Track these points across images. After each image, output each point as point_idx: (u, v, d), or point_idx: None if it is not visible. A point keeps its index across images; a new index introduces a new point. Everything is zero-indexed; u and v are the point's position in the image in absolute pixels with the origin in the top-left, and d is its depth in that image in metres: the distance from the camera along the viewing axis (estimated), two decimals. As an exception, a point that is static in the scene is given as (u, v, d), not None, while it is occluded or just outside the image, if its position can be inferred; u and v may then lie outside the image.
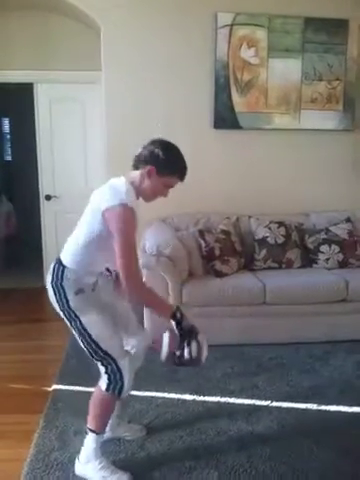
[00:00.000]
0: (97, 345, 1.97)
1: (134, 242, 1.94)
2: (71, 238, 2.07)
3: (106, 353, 1.98)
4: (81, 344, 2.01)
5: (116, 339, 2.05)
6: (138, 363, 2.18)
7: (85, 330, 1.97)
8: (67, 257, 2.03)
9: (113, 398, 2.05)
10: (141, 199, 2.06)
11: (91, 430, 2.07)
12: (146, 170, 1.98)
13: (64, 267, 2.00)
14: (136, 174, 2.02)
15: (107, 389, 2.01)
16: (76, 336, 2.02)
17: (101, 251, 1.99)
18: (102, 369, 2.02)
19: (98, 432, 2.08)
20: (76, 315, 1.96)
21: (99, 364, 2.02)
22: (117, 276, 2.07)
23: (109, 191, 1.94)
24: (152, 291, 2.05)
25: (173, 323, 1.96)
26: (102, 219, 1.91)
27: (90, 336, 1.97)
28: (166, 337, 1.95)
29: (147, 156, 1.99)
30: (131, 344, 2.17)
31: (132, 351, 2.14)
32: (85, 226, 2.00)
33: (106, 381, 2.01)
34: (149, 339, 2.29)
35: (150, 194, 2.05)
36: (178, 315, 1.97)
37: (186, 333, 1.96)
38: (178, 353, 1.95)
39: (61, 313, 2.01)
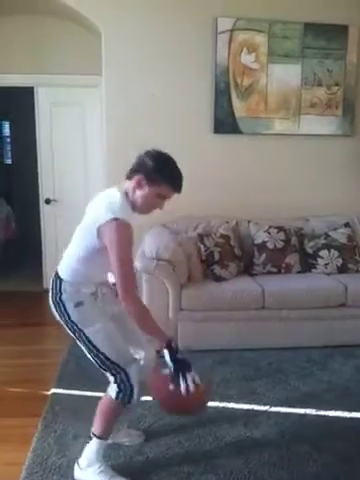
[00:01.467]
0: (104, 355, 1.98)
1: (130, 258, 1.92)
2: (68, 251, 2.08)
3: (113, 362, 1.98)
4: (88, 356, 2.02)
5: (123, 348, 2.04)
6: (147, 372, 2.17)
7: (90, 342, 1.97)
8: (64, 270, 2.04)
9: (122, 406, 2.04)
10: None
11: (96, 436, 2.08)
12: (136, 180, 1.96)
13: (61, 280, 2.01)
14: (129, 185, 2.00)
15: (117, 398, 2.01)
16: (83, 349, 2.02)
17: (98, 263, 1.99)
18: (111, 379, 2.02)
19: (103, 438, 2.08)
20: (79, 327, 1.97)
21: (108, 374, 2.02)
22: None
23: (104, 206, 1.93)
24: (149, 314, 1.99)
25: (166, 353, 1.92)
26: (97, 234, 1.91)
27: (96, 347, 1.97)
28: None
29: (136, 165, 1.98)
30: (140, 355, 2.15)
31: (141, 362, 2.12)
32: (80, 240, 2.01)
33: (116, 390, 2.01)
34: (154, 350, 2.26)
35: (143, 205, 2.00)
36: (174, 345, 1.94)
37: (180, 365, 1.91)
38: (172, 387, 1.89)
39: (66, 327, 2.02)
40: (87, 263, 1.99)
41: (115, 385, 2.01)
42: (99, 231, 1.90)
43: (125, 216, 1.90)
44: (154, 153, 1.98)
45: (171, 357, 1.92)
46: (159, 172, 1.94)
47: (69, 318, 1.98)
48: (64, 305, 1.98)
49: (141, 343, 2.18)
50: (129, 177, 2.00)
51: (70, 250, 2.06)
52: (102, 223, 1.88)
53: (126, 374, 1.99)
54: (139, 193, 1.97)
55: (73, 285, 2.00)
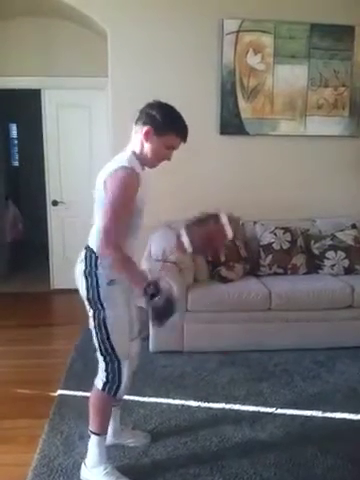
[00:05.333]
0: (109, 341, 1.97)
1: (127, 206, 1.84)
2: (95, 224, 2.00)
3: (114, 351, 1.98)
4: (94, 335, 2.00)
5: (127, 340, 2.03)
6: (133, 366, 2.16)
7: (104, 323, 1.95)
8: (95, 244, 1.95)
9: (109, 398, 2.05)
10: (148, 170, 2.02)
11: (92, 432, 2.09)
12: (143, 132, 1.93)
13: (95, 254, 1.94)
14: (136, 140, 1.98)
15: (103, 388, 2.02)
16: (92, 326, 1.99)
17: (123, 230, 1.89)
18: (103, 366, 2.02)
19: (100, 434, 2.08)
20: (102, 306, 1.93)
21: (102, 360, 2.02)
22: None
23: (110, 163, 1.92)
24: (129, 262, 1.89)
25: (145, 299, 1.86)
26: (105, 190, 1.86)
27: (106, 330, 1.95)
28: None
29: (142, 118, 1.96)
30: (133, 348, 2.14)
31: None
32: (98, 209, 1.93)
33: (103, 379, 2.02)
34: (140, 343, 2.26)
35: (152, 158, 1.98)
36: (150, 290, 1.84)
37: (156, 311, 1.87)
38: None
39: (86, 301, 1.98)
40: None
41: (104, 374, 2.01)
42: (106, 186, 1.86)
43: (132, 165, 1.87)
44: (159, 104, 1.97)
45: (149, 301, 1.86)
46: (168, 121, 1.93)
47: (98, 294, 1.92)
48: (98, 280, 1.92)
49: (134, 332, 2.16)
50: (136, 131, 1.99)
51: (95, 222, 1.98)
52: (107, 177, 1.86)
53: (119, 365, 1.99)
54: (148, 146, 1.95)
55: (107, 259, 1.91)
